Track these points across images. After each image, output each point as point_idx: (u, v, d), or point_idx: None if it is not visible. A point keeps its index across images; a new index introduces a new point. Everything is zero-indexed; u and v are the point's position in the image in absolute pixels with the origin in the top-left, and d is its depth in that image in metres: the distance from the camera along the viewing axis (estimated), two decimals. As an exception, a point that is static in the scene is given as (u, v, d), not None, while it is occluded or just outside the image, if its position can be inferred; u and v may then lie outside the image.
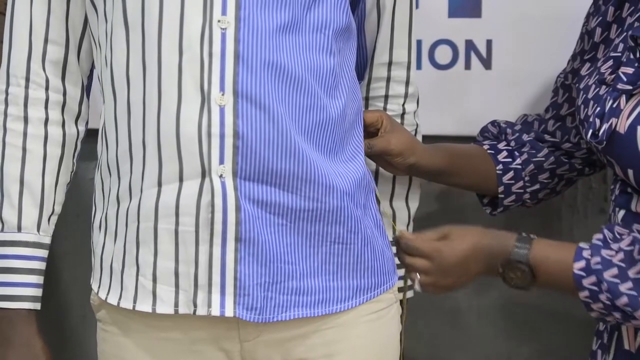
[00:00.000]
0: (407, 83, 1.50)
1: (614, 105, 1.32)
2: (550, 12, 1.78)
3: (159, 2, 1.25)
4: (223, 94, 1.23)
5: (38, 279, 1.36)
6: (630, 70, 1.33)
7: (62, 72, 1.39)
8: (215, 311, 1.26)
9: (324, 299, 1.31)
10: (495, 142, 1.60)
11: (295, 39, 1.26)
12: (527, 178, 1.57)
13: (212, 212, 1.25)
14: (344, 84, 1.33)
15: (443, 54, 1.82)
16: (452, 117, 1.82)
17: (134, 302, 1.31)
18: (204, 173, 1.25)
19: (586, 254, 1.30)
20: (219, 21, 1.24)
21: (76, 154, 1.43)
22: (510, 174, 1.57)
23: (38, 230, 1.36)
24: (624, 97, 1.32)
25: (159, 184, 1.27)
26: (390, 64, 1.49)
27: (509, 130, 1.60)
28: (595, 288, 1.28)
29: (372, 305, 1.36)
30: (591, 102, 1.38)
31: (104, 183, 1.36)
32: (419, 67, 1.79)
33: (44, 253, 1.38)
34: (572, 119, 1.57)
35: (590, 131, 1.34)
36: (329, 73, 1.29)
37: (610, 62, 1.40)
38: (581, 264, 1.30)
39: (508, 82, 1.80)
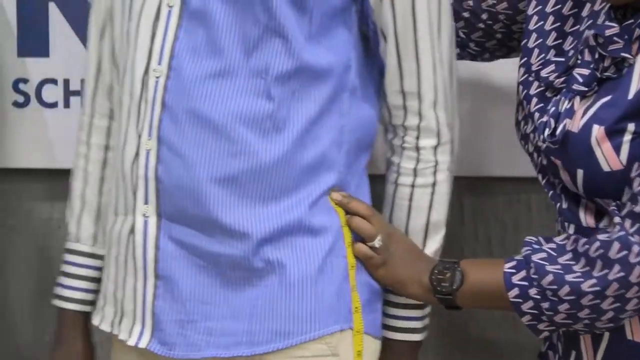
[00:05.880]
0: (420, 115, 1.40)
1: (568, 107, 1.34)
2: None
3: (126, 48, 1.36)
4: (150, 139, 1.31)
5: (87, 285, 1.47)
6: (586, 71, 1.34)
7: None
8: (132, 341, 1.35)
9: (240, 341, 1.32)
10: None
11: (226, 86, 1.29)
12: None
13: (134, 249, 1.34)
14: (291, 128, 1.33)
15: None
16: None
17: (97, 319, 1.44)
18: (133, 211, 1.34)
19: (518, 256, 1.33)
20: (154, 70, 1.31)
21: None
22: None
23: (94, 242, 1.48)
24: (577, 99, 1.34)
25: (115, 214, 1.38)
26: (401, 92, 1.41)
27: None
28: (524, 283, 1.30)
29: (294, 351, 1.33)
30: (534, 99, 1.39)
31: None
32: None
33: (96, 262, 1.48)
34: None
35: (547, 131, 1.34)
36: (265, 117, 1.30)
37: (552, 67, 1.40)
38: (512, 263, 1.32)
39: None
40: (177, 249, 1.32)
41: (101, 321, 1.41)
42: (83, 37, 1.83)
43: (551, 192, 1.41)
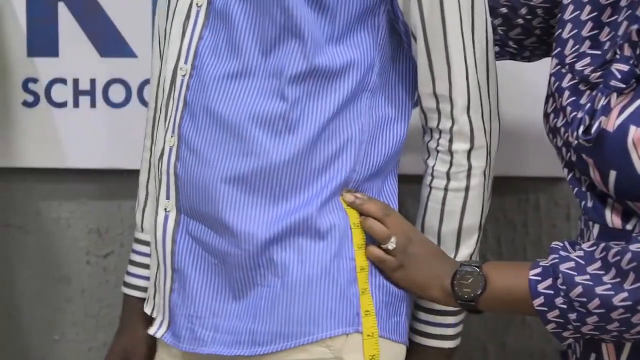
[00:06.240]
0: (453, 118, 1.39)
1: (604, 103, 1.28)
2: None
3: (164, 45, 1.40)
4: (172, 136, 1.35)
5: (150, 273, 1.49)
6: (625, 67, 1.29)
7: None
8: (152, 330, 1.40)
9: (241, 340, 1.33)
10: None
11: (242, 86, 1.31)
12: None
13: (156, 242, 1.37)
14: (304, 129, 1.32)
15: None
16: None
17: (149, 308, 1.46)
18: (158, 204, 1.38)
19: (543, 262, 1.29)
20: (180, 68, 1.35)
21: None
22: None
23: None
24: (614, 95, 1.28)
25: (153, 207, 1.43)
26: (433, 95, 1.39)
27: None
28: (550, 292, 1.26)
29: (294, 353, 1.32)
30: (566, 92, 1.35)
31: None
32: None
33: None
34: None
35: (582, 128, 1.29)
36: (278, 118, 1.31)
37: (587, 60, 1.35)
38: (537, 270, 1.28)
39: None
40: (193, 244, 1.35)
41: (152, 310, 1.43)
42: (92, 36, 1.85)
43: (576, 189, 1.37)
